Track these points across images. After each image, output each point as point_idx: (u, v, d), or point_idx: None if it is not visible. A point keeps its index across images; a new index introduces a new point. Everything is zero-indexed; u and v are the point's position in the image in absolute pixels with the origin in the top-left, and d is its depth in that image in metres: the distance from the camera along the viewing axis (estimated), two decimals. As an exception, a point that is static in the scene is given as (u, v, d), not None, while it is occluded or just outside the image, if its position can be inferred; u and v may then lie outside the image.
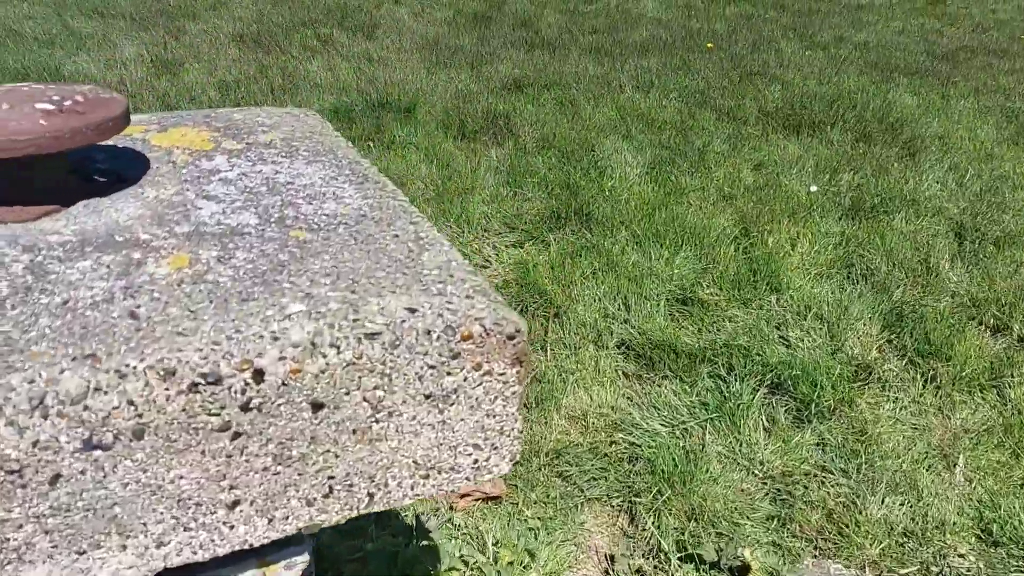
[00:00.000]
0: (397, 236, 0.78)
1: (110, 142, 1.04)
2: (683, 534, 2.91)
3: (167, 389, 0.57)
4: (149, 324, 0.61)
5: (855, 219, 4.92)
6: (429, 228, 0.84)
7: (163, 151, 1.04)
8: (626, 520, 3.08)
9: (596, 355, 3.81)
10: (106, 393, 0.55)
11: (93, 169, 0.95)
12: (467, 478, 0.73)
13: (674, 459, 3.16)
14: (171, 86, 6.99)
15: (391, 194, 0.94)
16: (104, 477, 0.57)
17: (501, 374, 0.68)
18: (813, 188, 5.00)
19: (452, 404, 0.67)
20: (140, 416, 0.56)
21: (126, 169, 0.96)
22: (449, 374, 0.66)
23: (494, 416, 0.70)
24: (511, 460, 0.73)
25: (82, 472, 0.57)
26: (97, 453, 0.57)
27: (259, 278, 0.69)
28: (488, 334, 0.65)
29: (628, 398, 3.57)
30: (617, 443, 3.33)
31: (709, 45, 8.88)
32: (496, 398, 0.69)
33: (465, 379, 0.67)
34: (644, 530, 2.99)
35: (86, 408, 0.55)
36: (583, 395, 3.59)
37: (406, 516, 3.05)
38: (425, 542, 2.34)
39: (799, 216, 4.84)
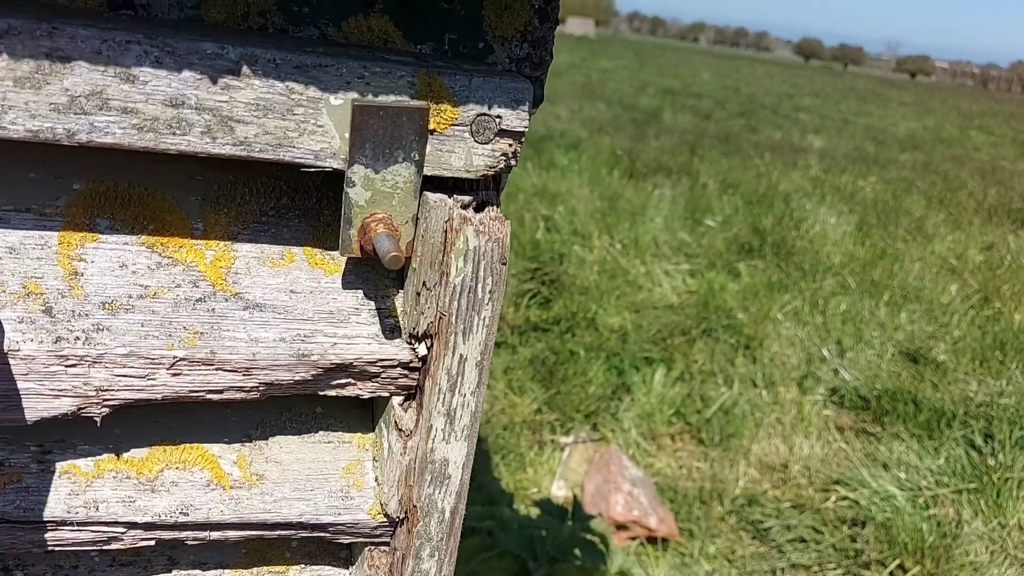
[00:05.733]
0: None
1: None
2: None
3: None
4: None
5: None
6: None
7: None
8: (849, 601, 2.18)
9: (799, 399, 2.95)
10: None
11: None
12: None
13: (921, 530, 2.25)
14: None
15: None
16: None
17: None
18: (1067, 273, 4.09)
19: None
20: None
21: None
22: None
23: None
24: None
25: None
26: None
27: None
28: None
29: (844, 453, 2.69)
30: (835, 502, 2.44)
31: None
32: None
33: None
34: (880, 617, 2.07)
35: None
36: (779, 442, 2.74)
37: (555, 497, 2.20)
38: (586, 534, 1.52)
39: (1051, 300, 3.91)
